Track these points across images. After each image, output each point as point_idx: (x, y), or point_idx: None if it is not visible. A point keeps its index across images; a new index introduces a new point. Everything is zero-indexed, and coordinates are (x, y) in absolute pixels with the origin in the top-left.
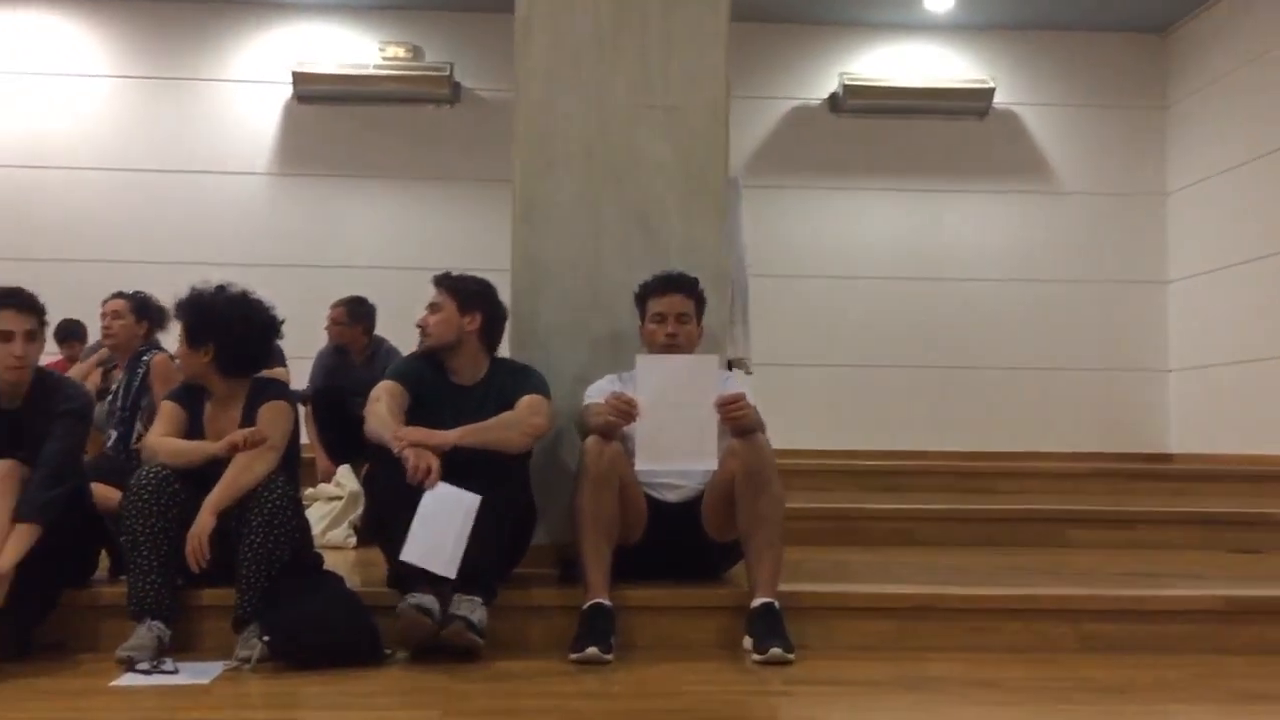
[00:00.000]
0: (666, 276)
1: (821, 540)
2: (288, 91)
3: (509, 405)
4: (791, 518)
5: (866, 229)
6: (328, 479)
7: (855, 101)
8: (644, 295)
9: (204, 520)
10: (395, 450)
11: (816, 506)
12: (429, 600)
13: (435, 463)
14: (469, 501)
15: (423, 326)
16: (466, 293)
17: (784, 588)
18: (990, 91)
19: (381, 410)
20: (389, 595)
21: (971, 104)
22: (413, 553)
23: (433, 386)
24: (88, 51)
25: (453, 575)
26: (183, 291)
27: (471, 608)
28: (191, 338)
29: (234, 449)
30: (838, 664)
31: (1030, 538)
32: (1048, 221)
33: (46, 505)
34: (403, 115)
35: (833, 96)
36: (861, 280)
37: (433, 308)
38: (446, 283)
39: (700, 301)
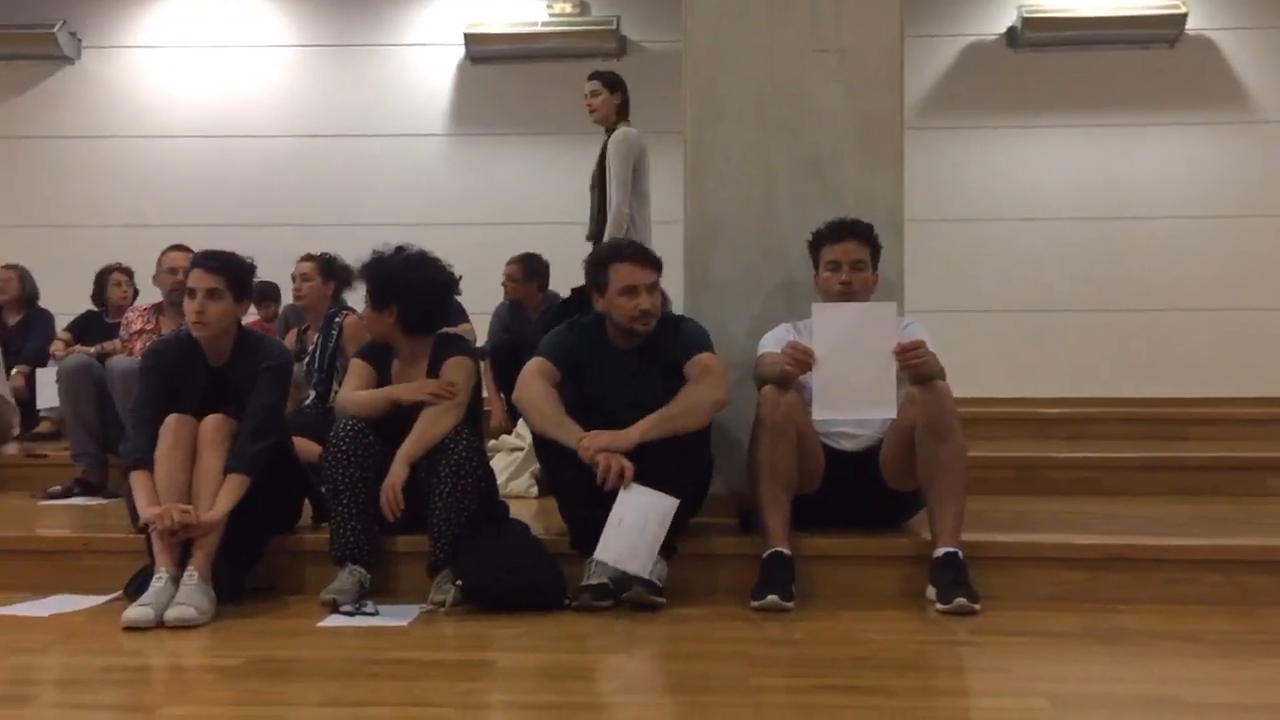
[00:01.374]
0: (840, 223)
1: (1003, 490)
2: (460, 53)
3: (674, 366)
4: (972, 467)
5: (1046, 169)
6: (506, 432)
7: (1034, 34)
8: (817, 243)
9: (397, 471)
10: (582, 457)
11: (997, 455)
12: (609, 568)
13: (629, 467)
14: (666, 505)
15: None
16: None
17: (967, 537)
18: (1182, 17)
19: (542, 404)
20: (568, 543)
21: (1161, 31)
22: (609, 553)
23: (591, 355)
24: (273, 24)
25: (646, 575)
26: (365, 254)
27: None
28: (375, 300)
29: (426, 395)
30: (1025, 615)
31: (1226, 486)
32: (1245, 153)
33: (255, 457)
34: (571, 70)
35: (1010, 31)
36: (1041, 222)
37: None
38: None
39: (875, 248)
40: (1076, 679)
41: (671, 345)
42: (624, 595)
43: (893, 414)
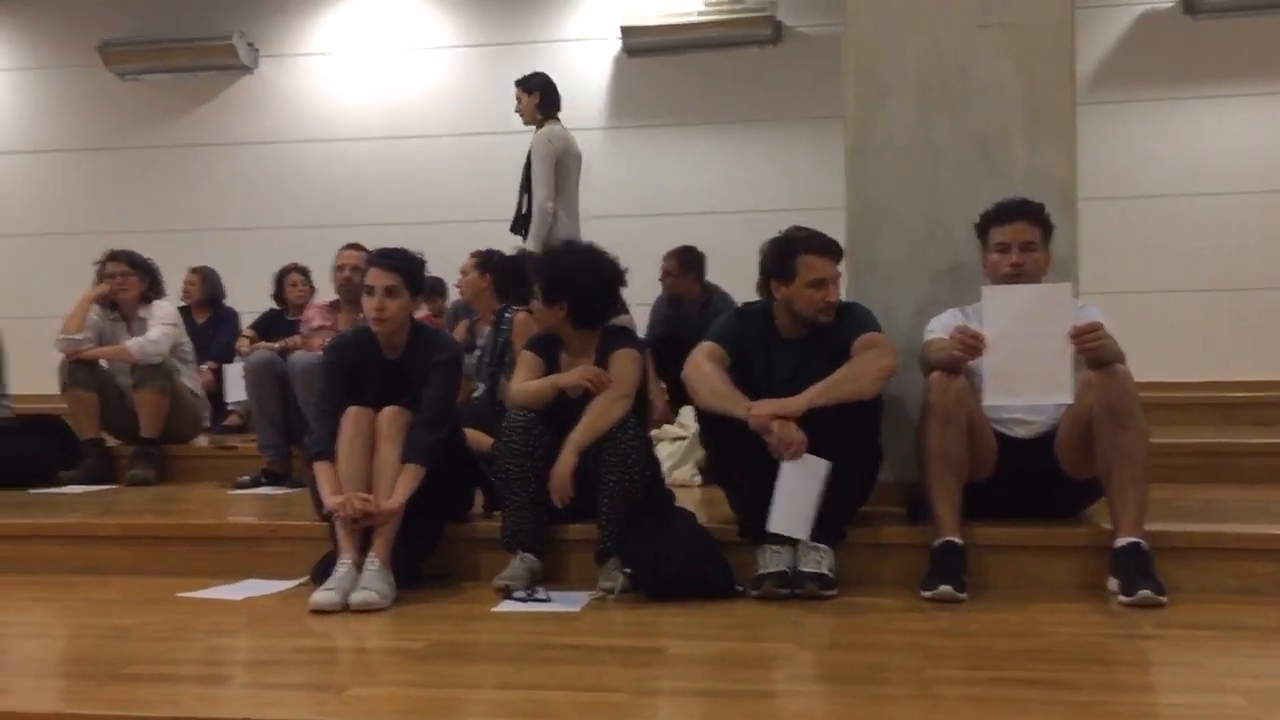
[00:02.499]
0: (1010, 203)
1: (1187, 478)
2: (617, 46)
3: (840, 350)
4: (1155, 453)
5: (1230, 140)
6: (668, 421)
7: (1214, 0)
8: (985, 224)
9: (566, 459)
10: (752, 425)
11: (1181, 442)
12: (783, 557)
13: (802, 437)
14: (822, 468)
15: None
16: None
17: (1150, 527)
18: None
19: (714, 380)
20: (735, 531)
21: None
22: (779, 523)
23: (757, 342)
24: (435, 26)
25: (807, 537)
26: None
27: (820, 558)
28: (547, 295)
29: (583, 382)
30: (1214, 608)
31: None
32: None
33: (430, 447)
34: (726, 60)
35: None
36: (1226, 196)
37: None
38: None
39: (1047, 228)
40: (1274, 675)
41: (839, 330)
42: (796, 590)
43: (1069, 399)
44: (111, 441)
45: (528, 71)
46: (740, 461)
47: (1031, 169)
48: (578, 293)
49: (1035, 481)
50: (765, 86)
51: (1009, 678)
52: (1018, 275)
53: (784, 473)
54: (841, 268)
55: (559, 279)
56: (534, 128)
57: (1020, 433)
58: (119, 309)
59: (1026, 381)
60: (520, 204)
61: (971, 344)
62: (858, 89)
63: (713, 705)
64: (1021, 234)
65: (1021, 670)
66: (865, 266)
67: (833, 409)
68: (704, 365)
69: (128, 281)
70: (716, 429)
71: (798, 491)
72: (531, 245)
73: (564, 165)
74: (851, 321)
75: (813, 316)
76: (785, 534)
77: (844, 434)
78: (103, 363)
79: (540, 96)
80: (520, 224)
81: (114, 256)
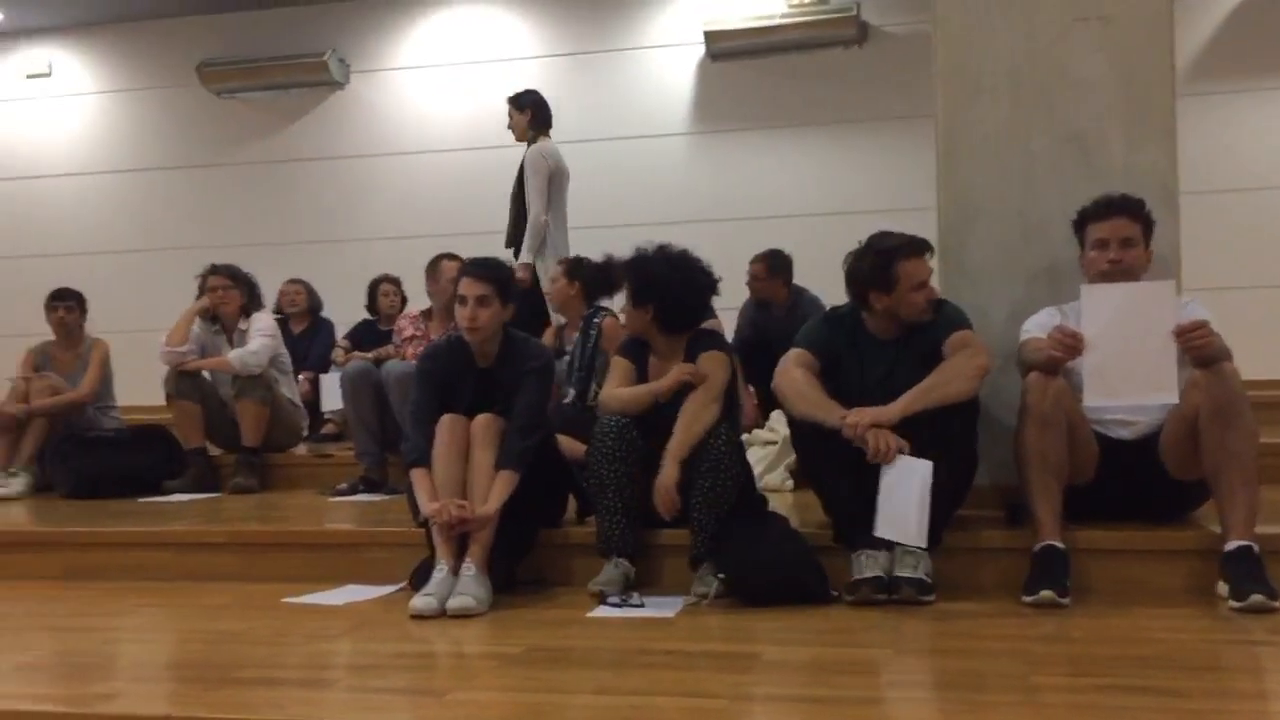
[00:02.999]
0: (1108, 199)
1: None
2: (700, 51)
3: (931, 349)
4: (1265, 454)
5: None
6: (758, 426)
7: None
8: (1083, 221)
9: (670, 471)
10: (847, 435)
11: None
12: (880, 561)
13: (902, 443)
14: (923, 469)
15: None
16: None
17: (1261, 530)
18: None
19: (805, 388)
20: (830, 537)
21: None
22: (886, 529)
23: (848, 346)
24: (520, 36)
25: (924, 544)
26: (625, 253)
27: (916, 563)
28: (635, 297)
29: (679, 385)
30: None
31: None
32: None
33: (523, 454)
34: (811, 61)
35: None
36: None
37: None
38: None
39: (1148, 224)
40: None
41: (931, 328)
42: (894, 596)
43: (1174, 399)
44: (214, 451)
45: (610, 78)
46: (833, 465)
47: (1130, 165)
48: (665, 297)
49: (1138, 484)
50: (851, 87)
51: (1116, 685)
52: (1116, 272)
53: (885, 477)
54: (933, 265)
55: (647, 283)
56: (525, 144)
57: (1123, 434)
58: (220, 322)
59: (1129, 381)
60: (510, 214)
61: (1070, 343)
62: (948, 87)
63: (812, 712)
64: (1120, 230)
65: (1129, 677)
66: (958, 268)
67: (928, 416)
68: (794, 373)
69: (229, 295)
70: (809, 434)
71: (901, 494)
72: (526, 257)
73: (556, 180)
74: (943, 320)
75: (917, 317)
76: (896, 540)
77: (940, 437)
78: (205, 374)
79: (532, 114)
80: (513, 239)
81: (215, 270)
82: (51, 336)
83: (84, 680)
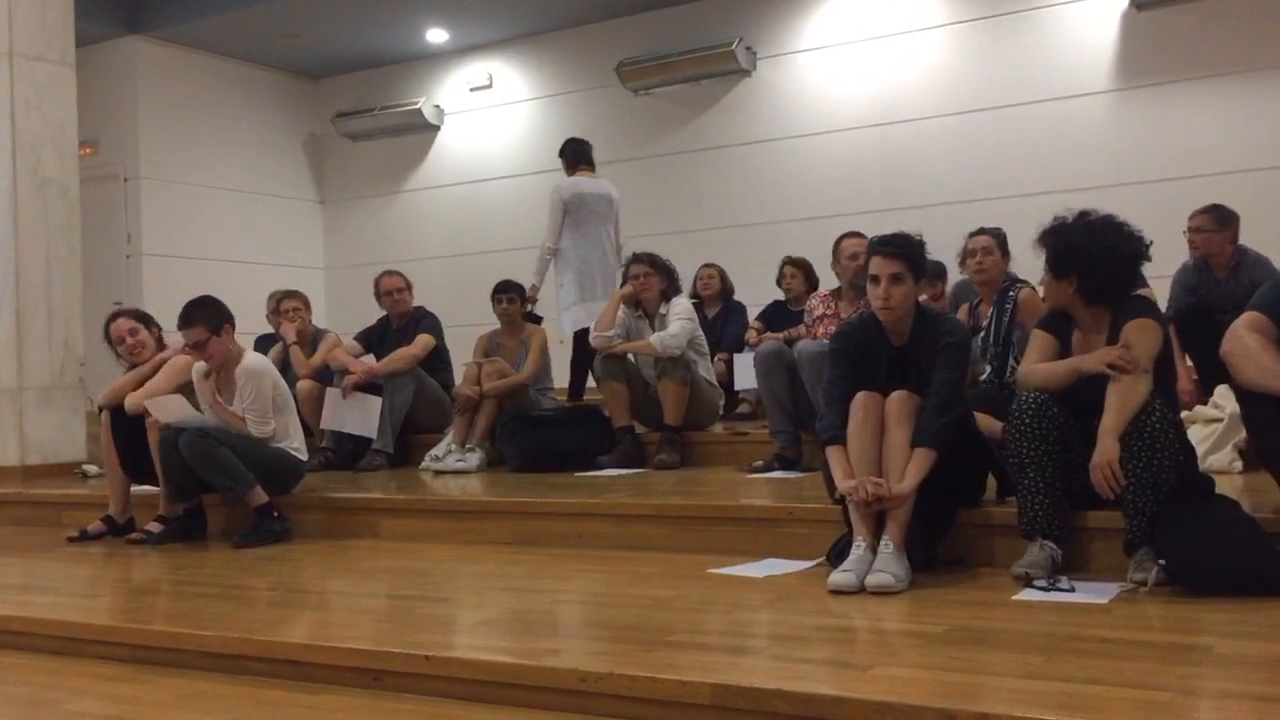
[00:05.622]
0: None
1: None
2: (1124, 2)
3: None
4: None
5: None
6: (1200, 403)
7: None
8: None
9: (1108, 446)
10: None
11: None
12: None
13: None
14: None
15: None
16: None
17: None
18: None
19: (1261, 355)
20: None
21: None
22: None
23: None
24: (924, 5)
25: None
26: (1045, 220)
27: None
28: (1056, 267)
29: (1106, 365)
30: None
31: None
32: None
33: (940, 431)
34: (1253, 1)
35: None
36: None
37: None
38: None
39: None
40: None
41: None
42: None
43: None
44: (640, 429)
45: (1022, 39)
46: None
47: None
48: (1089, 268)
49: None
50: None
51: None
52: None
53: None
54: None
55: (1067, 253)
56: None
57: None
58: (642, 307)
59: None
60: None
61: None
62: None
63: (1272, 711)
64: None
65: None
66: None
67: None
68: (1248, 339)
69: (649, 281)
70: (1265, 408)
71: None
72: (534, 280)
73: (574, 210)
74: None
75: None
76: None
77: None
78: (630, 357)
79: (568, 158)
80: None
81: (637, 259)
82: (497, 325)
83: (535, 636)
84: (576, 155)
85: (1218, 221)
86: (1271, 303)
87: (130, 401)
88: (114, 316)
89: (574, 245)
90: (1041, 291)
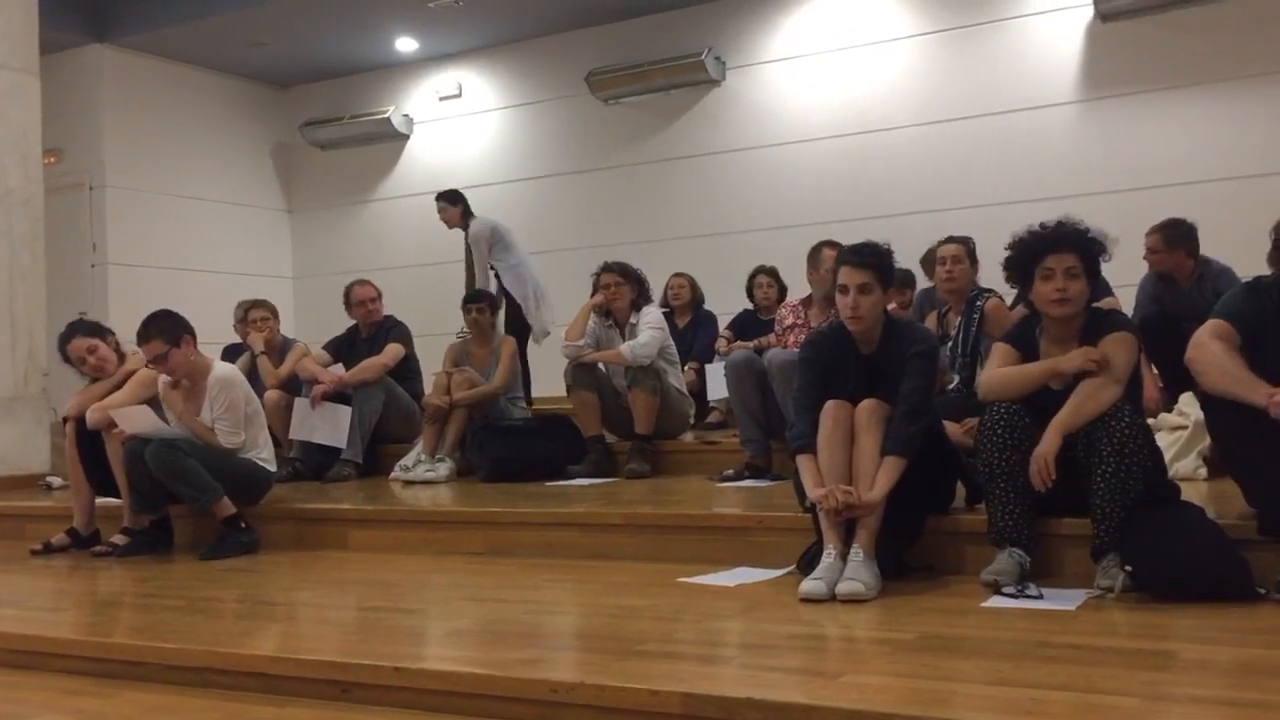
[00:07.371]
0: None
1: None
2: (1089, 13)
3: None
4: None
5: None
6: (1157, 410)
7: None
8: None
9: (1050, 440)
10: (1275, 414)
11: None
12: None
13: None
14: None
15: None
16: None
17: None
18: None
19: (1225, 362)
20: (1254, 529)
21: None
22: None
23: (1276, 319)
24: (892, 17)
25: None
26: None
27: None
28: (1022, 281)
29: (1086, 364)
30: None
31: None
32: None
33: (909, 439)
34: (1217, 12)
35: None
36: None
37: None
38: None
39: None
40: None
41: None
42: None
43: None
44: (610, 438)
45: (989, 50)
46: (1259, 450)
47: None
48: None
49: None
50: (1264, 38)
51: None
52: None
53: None
54: None
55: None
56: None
57: None
58: (612, 316)
59: None
60: (467, 281)
61: None
62: None
63: (1239, 716)
64: None
65: None
66: None
67: None
68: (1212, 345)
69: (620, 291)
70: (1228, 415)
71: None
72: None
73: (502, 242)
74: None
75: None
76: None
77: None
78: (601, 366)
79: (463, 203)
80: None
81: (608, 268)
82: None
83: (505, 647)
84: (467, 202)
85: (1166, 241)
86: (1235, 310)
87: (91, 417)
88: (68, 337)
89: (509, 273)
90: (1009, 301)
